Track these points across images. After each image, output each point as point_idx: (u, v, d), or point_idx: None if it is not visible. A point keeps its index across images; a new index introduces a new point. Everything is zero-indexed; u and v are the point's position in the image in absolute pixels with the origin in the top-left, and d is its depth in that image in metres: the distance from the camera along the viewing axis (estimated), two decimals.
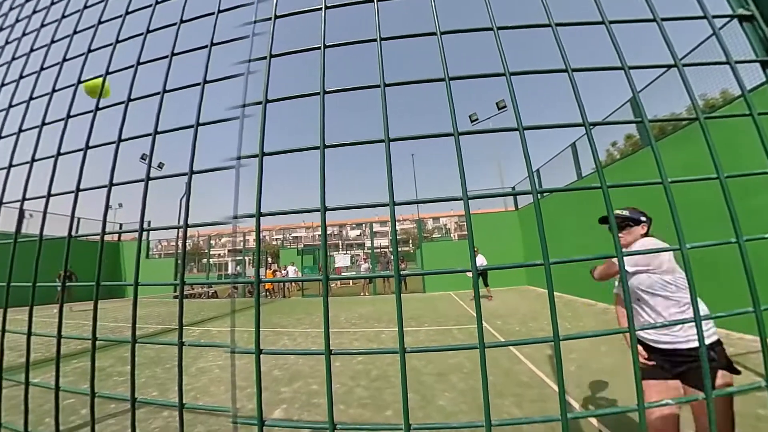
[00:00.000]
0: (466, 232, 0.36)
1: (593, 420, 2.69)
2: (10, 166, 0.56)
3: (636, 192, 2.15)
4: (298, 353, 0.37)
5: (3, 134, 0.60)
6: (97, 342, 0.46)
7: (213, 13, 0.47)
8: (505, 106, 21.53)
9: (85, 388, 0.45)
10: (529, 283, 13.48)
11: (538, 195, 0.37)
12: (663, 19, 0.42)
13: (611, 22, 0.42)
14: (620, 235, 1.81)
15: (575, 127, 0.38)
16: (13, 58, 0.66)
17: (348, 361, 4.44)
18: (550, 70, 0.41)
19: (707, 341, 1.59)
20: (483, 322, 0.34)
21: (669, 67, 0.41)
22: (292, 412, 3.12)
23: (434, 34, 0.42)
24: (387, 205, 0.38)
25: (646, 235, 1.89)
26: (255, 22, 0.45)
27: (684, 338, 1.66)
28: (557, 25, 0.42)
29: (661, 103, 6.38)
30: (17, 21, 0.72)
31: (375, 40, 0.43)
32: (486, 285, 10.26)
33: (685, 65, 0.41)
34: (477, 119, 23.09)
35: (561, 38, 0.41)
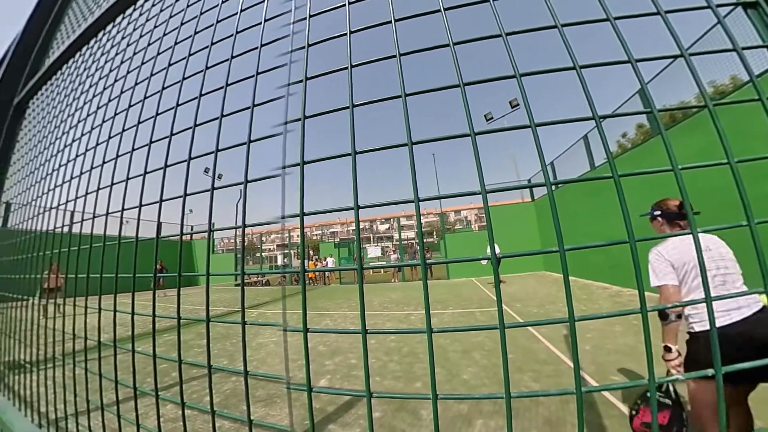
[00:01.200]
0: (486, 224, 0.35)
1: (607, 394, 2.54)
2: (112, 184, 0.63)
3: (650, 181, 1.99)
4: (339, 332, 0.38)
5: (106, 160, 0.68)
6: (181, 320, 0.51)
7: (256, 48, 0.49)
8: (518, 104, 20.45)
9: (174, 356, 0.50)
10: (546, 269, 12.83)
11: (552, 186, 0.36)
12: (667, 12, 0.38)
13: (616, 18, 0.38)
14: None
15: (586, 120, 0.36)
16: (110, 100, 0.74)
17: (382, 339, 4.51)
18: (559, 68, 0.38)
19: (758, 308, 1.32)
20: (503, 305, 0.34)
21: (676, 57, 0.37)
22: (334, 381, 3.24)
23: (447, 45, 0.41)
24: (412, 201, 0.38)
25: (668, 228, 1.61)
26: (291, 51, 0.46)
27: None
28: (563, 25, 0.39)
29: (670, 93, 5.78)
30: (110, 71, 0.81)
31: (395, 56, 0.43)
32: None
33: (691, 54, 0.37)
34: (492, 117, 22.18)
35: (567, 37, 0.39)
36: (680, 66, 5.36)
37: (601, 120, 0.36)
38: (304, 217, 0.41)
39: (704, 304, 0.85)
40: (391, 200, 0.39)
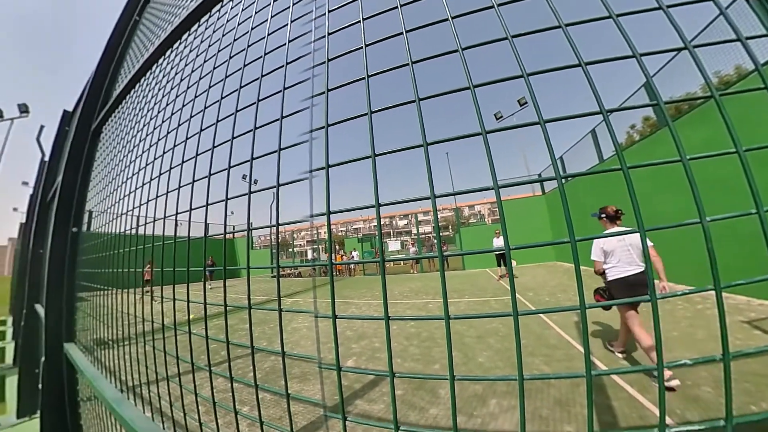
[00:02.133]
0: (499, 217, 0.34)
1: (616, 377, 2.42)
2: (168, 192, 0.67)
3: (657, 171, 1.85)
4: (364, 318, 0.39)
5: (162, 172, 0.73)
6: (227, 308, 0.54)
7: (283, 66, 0.50)
8: (526, 103, 19.56)
9: (222, 338, 0.53)
10: (557, 259, 12.24)
11: (562, 180, 0.34)
12: (669, 6, 0.35)
13: (618, 15, 0.35)
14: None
15: (593, 115, 0.33)
16: (163, 121, 0.79)
17: (403, 325, 4.52)
18: (565, 66, 0.36)
19: (627, 273, 2.47)
20: (516, 294, 0.33)
21: (680, 50, 0.34)
22: (360, 362, 3.29)
23: (456, 51, 0.40)
24: (429, 198, 0.37)
25: (610, 225, 2.64)
26: (313, 66, 0.47)
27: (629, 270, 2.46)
28: (567, 25, 0.37)
29: (675, 84, 5.31)
30: (162, 96, 0.86)
31: (407, 64, 0.42)
32: (499, 265, 9.16)
33: (695, 46, 0.34)
34: (502, 116, 21.41)
35: (571, 36, 0.36)
36: (684, 59, 4.96)
37: (608, 114, 0.33)
38: (331, 215, 0.42)
39: (615, 268, 2.59)
40: (409, 198, 0.39)
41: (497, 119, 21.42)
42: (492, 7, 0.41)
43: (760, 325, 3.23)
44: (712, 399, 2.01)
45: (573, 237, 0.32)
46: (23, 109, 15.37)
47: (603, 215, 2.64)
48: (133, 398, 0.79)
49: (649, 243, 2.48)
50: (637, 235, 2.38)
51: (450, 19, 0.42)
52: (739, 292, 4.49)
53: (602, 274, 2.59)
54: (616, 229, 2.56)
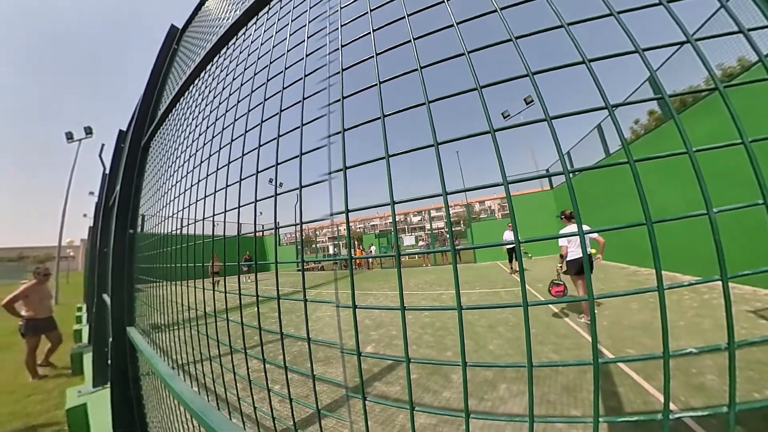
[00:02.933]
0: (509, 212, 0.33)
1: (622, 365, 2.29)
2: (206, 196, 0.71)
3: (663, 164, 1.72)
4: (382, 308, 0.39)
5: (200, 179, 0.76)
6: (259, 298, 0.56)
7: (301, 78, 0.51)
8: (532, 101, 18.71)
9: (255, 324, 0.55)
10: None
11: (570, 174, 0.32)
12: (669, 1, 0.32)
13: (619, 12, 0.33)
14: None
15: (599, 110, 0.31)
16: (199, 134, 0.83)
17: (417, 315, 4.50)
18: (569, 64, 0.34)
19: (578, 255, 3.29)
20: (526, 285, 0.32)
21: (682, 43, 0.31)
22: (379, 348, 3.32)
23: (462, 54, 0.38)
24: (441, 195, 0.36)
25: (568, 223, 3.67)
26: (329, 77, 0.47)
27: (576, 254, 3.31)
28: (569, 24, 0.34)
29: (678, 79, 4.89)
30: (199, 112, 0.90)
31: (417, 69, 0.41)
32: (510, 261, 8.47)
33: (697, 39, 0.30)
34: (509, 115, 20.63)
35: (574, 34, 0.34)
36: (687, 55, 4.54)
37: (613, 108, 0.31)
38: (349, 213, 0.42)
39: (572, 252, 3.60)
40: (422, 195, 0.38)
41: (504, 117, 20.69)
42: (495, 11, 0.39)
43: (766, 315, 3.00)
44: (717, 387, 1.89)
45: (581, 229, 0.30)
46: (88, 131, 16.70)
47: (563, 216, 3.74)
48: (182, 375, 0.84)
49: (595, 234, 3.48)
50: (588, 227, 3.23)
51: (455, 24, 0.41)
52: (746, 282, 4.16)
53: (563, 255, 3.41)
54: (572, 225, 3.51)
